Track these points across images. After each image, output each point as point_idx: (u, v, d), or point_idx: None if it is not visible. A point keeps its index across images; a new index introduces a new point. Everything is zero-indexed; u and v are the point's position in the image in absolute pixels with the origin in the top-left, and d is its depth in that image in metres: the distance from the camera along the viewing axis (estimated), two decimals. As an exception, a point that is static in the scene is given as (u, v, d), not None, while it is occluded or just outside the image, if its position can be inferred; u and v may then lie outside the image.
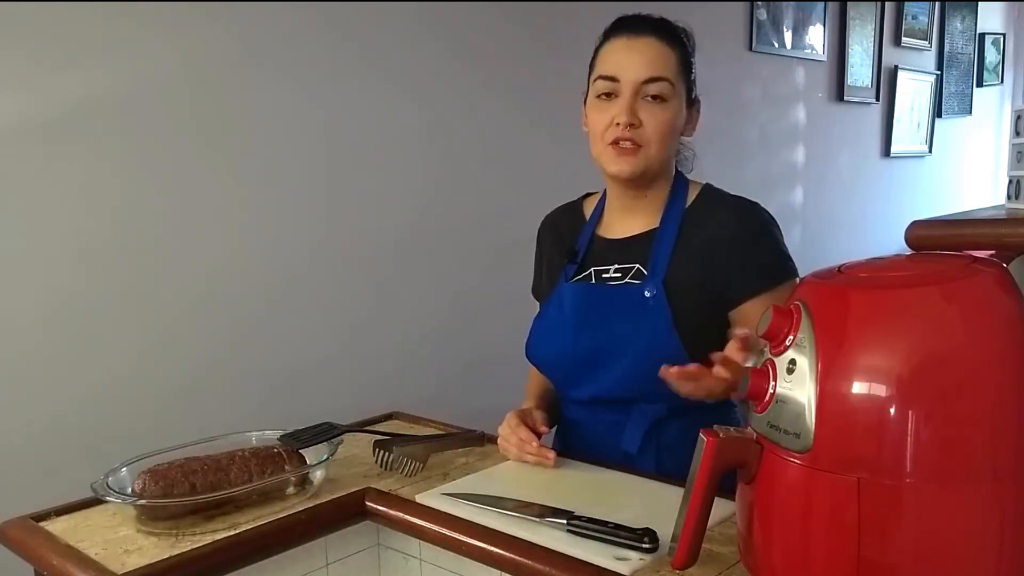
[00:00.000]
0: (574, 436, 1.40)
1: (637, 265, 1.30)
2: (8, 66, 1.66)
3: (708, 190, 1.35)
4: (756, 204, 1.32)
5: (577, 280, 1.36)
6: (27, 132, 1.69)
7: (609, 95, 1.27)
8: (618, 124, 1.25)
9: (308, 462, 1.20)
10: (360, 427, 1.37)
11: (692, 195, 1.34)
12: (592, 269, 1.35)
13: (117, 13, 1.78)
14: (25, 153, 1.69)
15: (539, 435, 1.28)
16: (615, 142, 1.26)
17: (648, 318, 1.25)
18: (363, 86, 2.22)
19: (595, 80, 1.30)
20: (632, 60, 1.26)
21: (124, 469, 1.15)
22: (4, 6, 1.63)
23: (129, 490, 1.10)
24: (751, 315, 1.22)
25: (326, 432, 1.25)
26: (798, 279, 1.24)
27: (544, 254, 1.49)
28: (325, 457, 1.19)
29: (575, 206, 1.48)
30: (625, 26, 1.29)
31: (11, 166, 1.68)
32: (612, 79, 1.26)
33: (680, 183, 1.34)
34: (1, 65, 1.65)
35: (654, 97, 1.25)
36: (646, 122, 1.25)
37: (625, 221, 1.36)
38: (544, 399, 1.44)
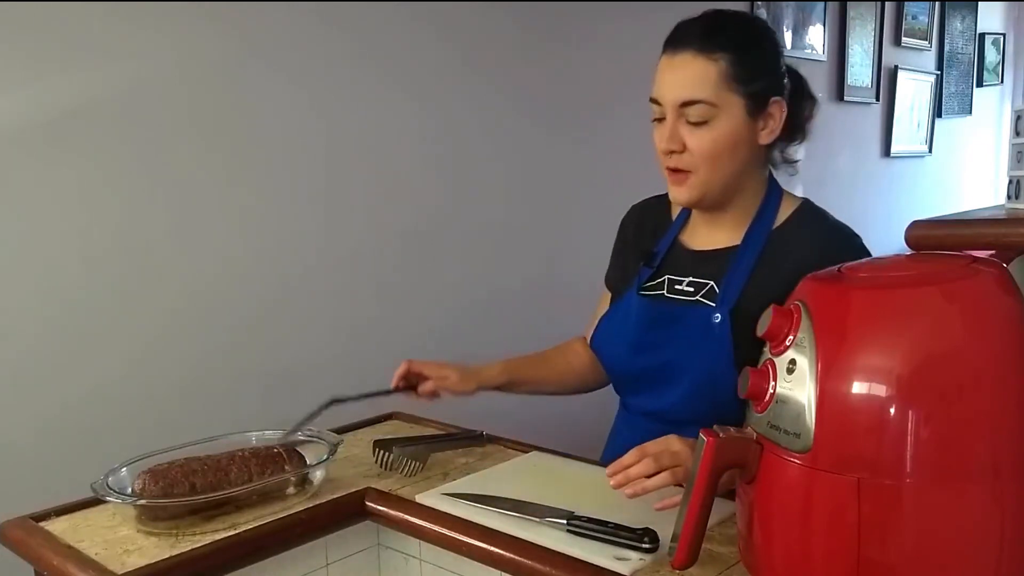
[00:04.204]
0: (629, 441, 1.35)
1: (711, 283, 1.23)
2: (8, 66, 1.66)
3: (804, 209, 1.26)
4: (853, 234, 1.23)
5: (649, 287, 1.30)
6: (27, 132, 1.69)
7: (659, 119, 1.20)
8: (662, 150, 1.19)
9: (308, 462, 1.20)
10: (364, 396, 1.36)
11: (785, 212, 1.25)
12: (667, 277, 1.29)
13: (117, 13, 1.77)
14: (25, 153, 1.69)
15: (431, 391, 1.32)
16: (669, 169, 1.20)
17: (711, 345, 1.19)
18: (364, 87, 2.22)
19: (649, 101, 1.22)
20: (670, 81, 1.17)
21: (124, 469, 1.15)
22: (4, 6, 1.63)
23: (129, 490, 1.10)
24: None
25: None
26: None
27: (626, 244, 1.42)
28: (325, 457, 1.19)
29: (664, 201, 1.38)
30: (671, 38, 1.19)
31: (11, 166, 1.68)
32: (656, 102, 1.19)
33: (773, 197, 1.25)
34: (4, 64, 1.65)
35: (695, 122, 1.16)
36: (691, 146, 1.17)
37: (709, 232, 1.28)
38: (524, 370, 1.43)
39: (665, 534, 0.91)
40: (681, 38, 1.18)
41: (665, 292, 1.28)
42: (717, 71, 1.15)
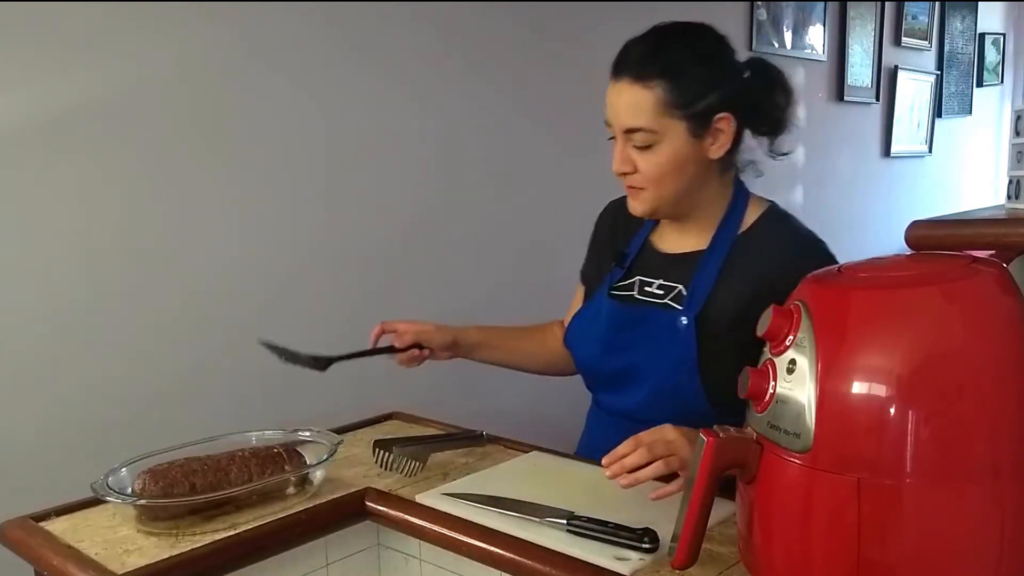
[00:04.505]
0: (598, 437, 1.36)
1: (680, 287, 1.25)
2: (8, 66, 1.66)
3: (770, 214, 1.26)
4: (819, 241, 1.24)
5: (620, 287, 1.32)
6: (27, 132, 1.69)
7: (612, 138, 1.23)
8: (616, 172, 1.23)
9: (308, 462, 1.20)
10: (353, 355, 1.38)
11: (751, 217, 1.26)
12: (638, 278, 1.31)
13: (117, 13, 1.77)
14: (25, 153, 1.69)
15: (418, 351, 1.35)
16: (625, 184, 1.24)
17: (675, 348, 1.21)
18: (365, 87, 2.22)
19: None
20: (613, 107, 1.20)
21: (124, 469, 1.15)
22: (4, 6, 1.63)
23: (129, 490, 1.10)
24: None
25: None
26: None
27: (600, 241, 1.45)
28: (325, 457, 1.19)
29: None
30: (615, 61, 1.21)
31: (11, 166, 1.68)
32: (607, 124, 1.23)
33: (739, 202, 1.26)
34: (4, 64, 1.65)
35: (640, 146, 1.18)
36: (640, 168, 1.20)
37: (678, 236, 1.31)
38: (499, 336, 1.47)
39: (665, 534, 0.91)
40: (621, 63, 1.19)
41: (635, 293, 1.30)
42: (653, 99, 1.16)
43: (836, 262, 1.14)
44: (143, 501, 1.08)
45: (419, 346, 1.42)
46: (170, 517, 1.09)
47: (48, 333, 1.74)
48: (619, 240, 1.39)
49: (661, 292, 1.27)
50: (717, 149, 1.20)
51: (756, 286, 1.18)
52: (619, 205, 1.44)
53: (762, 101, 1.24)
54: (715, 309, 1.20)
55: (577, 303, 1.46)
